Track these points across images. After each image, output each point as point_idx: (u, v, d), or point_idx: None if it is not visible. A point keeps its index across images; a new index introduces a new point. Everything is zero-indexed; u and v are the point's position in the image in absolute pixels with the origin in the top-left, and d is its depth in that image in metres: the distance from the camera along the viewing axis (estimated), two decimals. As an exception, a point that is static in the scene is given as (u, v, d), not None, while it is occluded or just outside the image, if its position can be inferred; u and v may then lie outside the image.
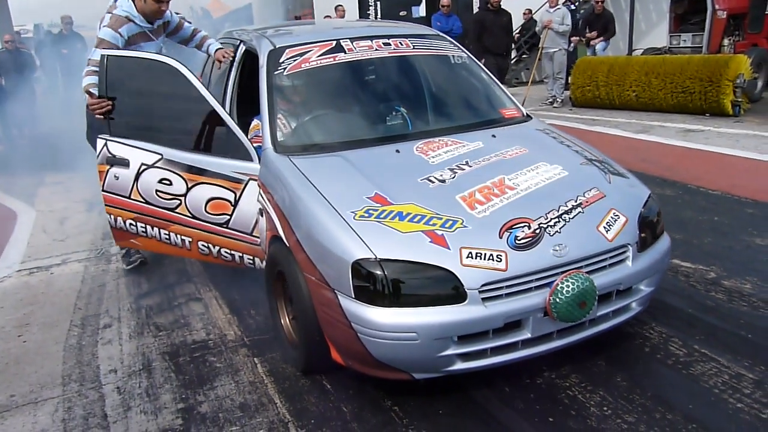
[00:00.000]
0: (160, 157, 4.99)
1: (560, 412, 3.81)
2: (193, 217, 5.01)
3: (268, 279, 4.62)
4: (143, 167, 5.06)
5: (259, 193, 4.65)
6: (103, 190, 5.26)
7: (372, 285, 3.52)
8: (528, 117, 5.34)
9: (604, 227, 3.87)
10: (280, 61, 5.05)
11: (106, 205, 5.30)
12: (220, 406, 4.12)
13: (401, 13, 19.76)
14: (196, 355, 4.77)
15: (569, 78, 15.24)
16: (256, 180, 4.69)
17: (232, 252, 5.04)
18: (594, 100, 14.43)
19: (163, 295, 5.98)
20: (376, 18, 20.17)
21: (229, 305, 5.59)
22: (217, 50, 5.98)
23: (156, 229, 5.26)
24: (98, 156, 5.19)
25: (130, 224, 5.32)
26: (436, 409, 3.89)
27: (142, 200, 5.15)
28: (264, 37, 5.42)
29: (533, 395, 3.95)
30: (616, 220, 3.94)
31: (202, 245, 5.12)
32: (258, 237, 4.83)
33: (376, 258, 3.52)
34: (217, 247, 5.07)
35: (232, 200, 4.83)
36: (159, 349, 4.92)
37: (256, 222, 4.79)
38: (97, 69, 5.25)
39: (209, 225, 4.99)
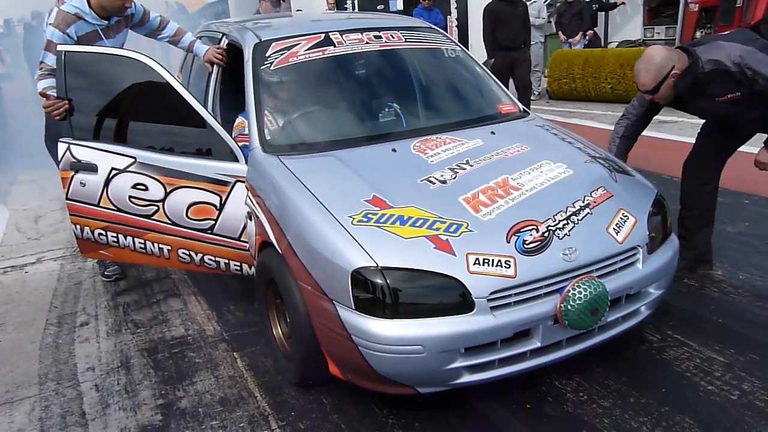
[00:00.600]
0: (133, 160, 4.70)
1: (537, 398, 3.85)
2: (173, 223, 4.74)
3: (259, 287, 4.38)
4: (114, 172, 4.77)
5: (247, 195, 4.41)
6: (67, 199, 4.96)
7: (373, 295, 3.29)
8: (525, 112, 5.18)
9: (614, 229, 3.70)
10: (267, 55, 4.81)
11: (71, 214, 5.01)
12: (199, 401, 4.09)
13: (378, 7, 19.51)
14: (175, 351, 4.72)
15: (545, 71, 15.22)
16: (243, 182, 4.45)
17: (217, 259, 4.78)
18: (570, 93, 14.41)
19: (140, 291, 5.86)
20: (353, 10, 19.88)
21: (208, 301, 5.52)
22: (207, 51, 5.54)
23: (129, 238, 4.98)
24: (60, 161, 4.89)
25: (99, 234, 5.04)
26: (415, 398, 3.76)
27: (113, 208, 4.87)
28: (248, 30, 5.17)
29: (511, 383, 3.87)
30: (625, 220, 3.77)
31: (183, 253, 4.86)
32: (246, 242, 4.60)
33: (377, 266, 3.30)
34: (200, 255, 4.81)
35: (217, 204, 4.57)
36: (137, 345, 4.85)
37: (244, 226, 4.55)
38: (52, 71, 4.97)
39: (191, 231, 4.73)
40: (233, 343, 4.75)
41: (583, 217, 3.71)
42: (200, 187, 4.57)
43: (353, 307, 3.34)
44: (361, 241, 3.42)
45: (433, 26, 5.78)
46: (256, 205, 4.23)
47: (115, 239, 5.03)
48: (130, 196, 4.79)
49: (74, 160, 4.83)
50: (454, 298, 3.30)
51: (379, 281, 3.28)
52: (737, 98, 4.30)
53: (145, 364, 4.56)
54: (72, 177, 4.88)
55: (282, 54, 4.82)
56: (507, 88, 10.34)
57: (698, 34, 15.10)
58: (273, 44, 4.88)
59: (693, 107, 4.68)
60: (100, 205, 4.89)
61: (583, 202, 3.81)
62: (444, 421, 3.71)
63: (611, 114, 12.45)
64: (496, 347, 3.40)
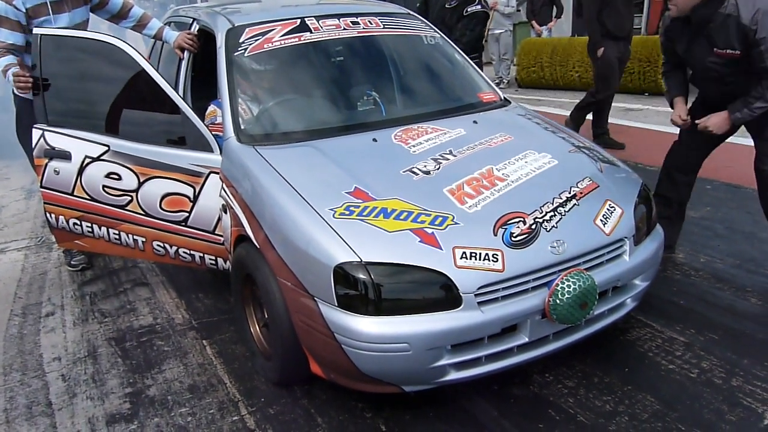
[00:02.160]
0: (106, 148, 4.55)
1: (504, 380, 3.85)
2: (147, 214, 4.59)
3: (235, 283, 4.23)
4: (87, 160, 4.63)
5: (222, 187, 4.24)
6: (41, 187, 4.83)
7: (357, 291, 3.17)
8: (506, 101, 5.08)
9: (601, 220, 3.63)
10: (240, 41, 4.64)
11: (45, 203, 4.89)
12: (168, 388, 4.08)
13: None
14: (143, 340, 4.69)
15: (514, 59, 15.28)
16: (217, 173, 4.29)
17: (192, 252, 4.63)
18: (539, 81, 14.53)
19: (107, 281, 5.79)
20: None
21: (177, 289, 5.49)
22: (177, 37, 5.31)
23: (104, 228, 4.84)
24: (35, 148, 4.74)
25: (74, 224, 4.90)
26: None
27: (87, 197, 4.73)
28: (220, 15, 4.98)
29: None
30: (612, 212, 3.71)
31: (158, 245, 4.72)
32: (221, 236, 4.45)
33: (361, 261, 3.17)
34: (175, 247, 4.66)
35: (191, 196, 4.40)
36: (105, 335, 4.80)
37: (219, 219, 4.40)
38: (10, 48, 4.88)
39: (165, 223, 4.58)
40: (202, 331, 4.72)
41: (570, 209, 3.63)
42: (174, 177, 4.42)
43: (336, 304, 3.21)
44: (344, 235, 3.29)
45: (412, 12, 5.66)
46: (232, 198, 4.08)
47: (90, 229, 4.91)
48: (103, 186, 4.65)
49: (48, 147, 4.70)
50: (440, 294, 3.20)
51: (363, 277, 3.15)
52: (734, 57, 4.27)
53: (113, 354, 4.52)
54: (46, 164, 4.75)
55: (256, 40, 4.65)
56: (619, 83, 9.21)
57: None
58: (247, 30, 4.72)
59: (689, 52, 4.61)
60: (74, 194, 4.76)
61: (570, 193, 3.73)
62: (411, 403, 3.71)
63: (578, 102, 12.55)
64: (483, 343, 3.31)
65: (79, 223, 4.89)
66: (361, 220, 3.39)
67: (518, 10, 15.92)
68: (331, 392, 3.84)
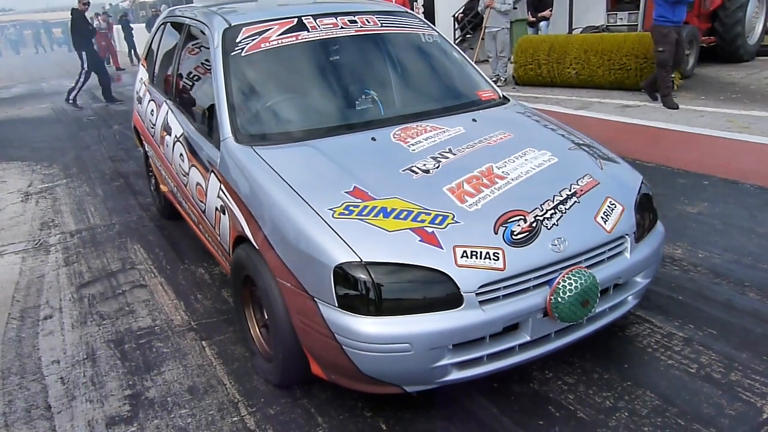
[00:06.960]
0: (182, 131, 5.04)
1: (503, 378, 3.85)
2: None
3: (234, 284, 4.20)
4: (175, 139, 5.21)
5: (220, 188, 4.22)
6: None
7: (358, 291, 3.14)
8: (505, 99, 5.05)
9: (602, 217, 3.61)
10: (237, 40, 4.61)
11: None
12: (168, 390, 4.07)
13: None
14: (142, 342, 4.67)
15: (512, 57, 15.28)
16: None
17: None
18: (536, 78, 14.50)
19: (105, 283, 5.77)
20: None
21: (175, 290, 5.48)
22: None
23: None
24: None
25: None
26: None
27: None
28: (216, 15, 4.96)
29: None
30: (613, 209, 3.68)
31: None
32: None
33: (361, 261, 3.14)
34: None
35: (204, 188, 4.53)
36: (103, 337, 4.78)
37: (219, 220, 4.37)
38: None
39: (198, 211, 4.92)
40: (201, 332, 4.71)
41: (571, 206, 3.60)
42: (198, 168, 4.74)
43: (336, 305, 3.19)
44: (343, 235, 3.26)
45: (409, 11, 5.63)
46: (230, 198, 4.05)
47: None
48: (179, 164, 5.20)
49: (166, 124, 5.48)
50: (441, 293, 3.17)
51: (364, 277, 3.13)
52: None
53: (112, 356, 4.50)
54: (164, 137, 5.50)
55: (253, 39, 4.63)
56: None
57: (660, 20, 15.20)
58: (243, 29, 4.70)
59: None
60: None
61: (570, 190, 3.71)
62: (411, 401, 3.71)
63: (575, 99, 12.77)
64: (484, 343, 3.28)
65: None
66: (361, 219, 3.36)
67: (515, 8, 15.91)
68: (331, 392, 3.83)
